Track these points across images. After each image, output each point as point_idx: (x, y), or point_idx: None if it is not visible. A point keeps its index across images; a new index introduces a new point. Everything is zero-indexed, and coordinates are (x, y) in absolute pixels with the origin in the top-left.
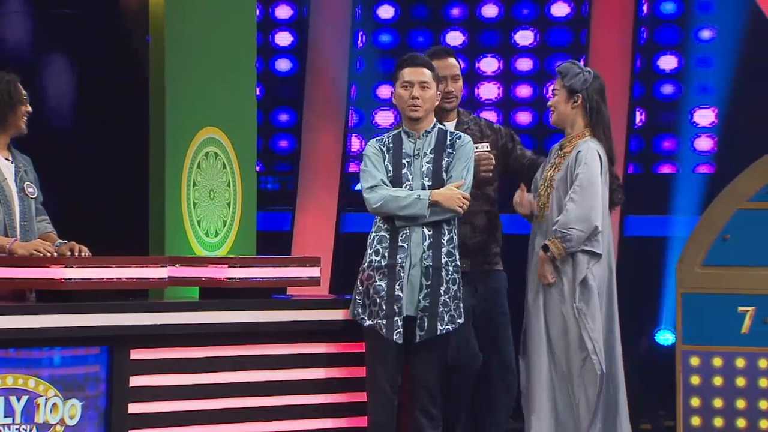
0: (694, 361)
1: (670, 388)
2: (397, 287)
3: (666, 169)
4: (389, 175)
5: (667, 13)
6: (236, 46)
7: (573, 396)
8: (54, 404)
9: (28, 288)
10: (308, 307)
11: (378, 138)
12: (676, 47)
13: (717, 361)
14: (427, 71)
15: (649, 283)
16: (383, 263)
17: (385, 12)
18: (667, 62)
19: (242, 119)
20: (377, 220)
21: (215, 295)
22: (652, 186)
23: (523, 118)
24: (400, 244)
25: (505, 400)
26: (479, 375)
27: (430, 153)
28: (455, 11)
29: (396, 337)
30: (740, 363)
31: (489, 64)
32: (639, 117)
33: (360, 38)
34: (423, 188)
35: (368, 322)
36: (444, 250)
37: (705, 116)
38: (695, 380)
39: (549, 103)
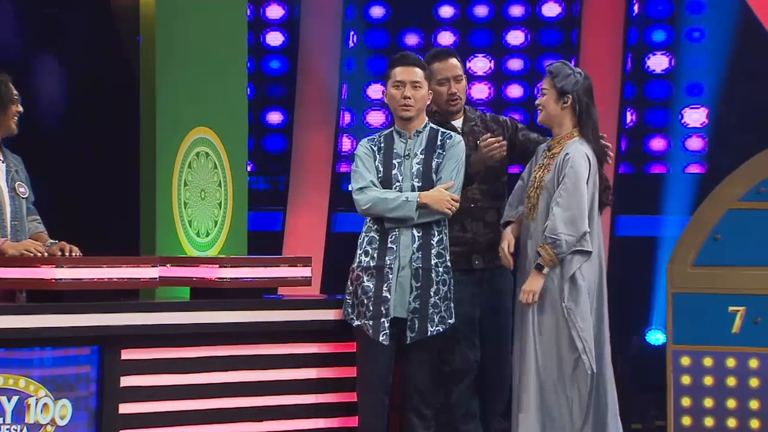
0: (685, 360)
1: (660, 388)
2: (384, 288)
3: (657, 169)
4: (380, 175)
5: (657, 14)
6: (227, 46)
7: (566, 396)
8: (45, 404)
9: (19, 288)
10: (299, 307)
11: (369, 138)
12: (667, 47)
13: (708, 361)
14: (418, 71)
15: (640, 283)
16: (372, 264)
17: (376, 12)
18: (658, 62)
19: (233, 119)
20: (368, 220)
21: (206, 295)
22: (643, 186)
23: (514, 118)
24: (389, 245)
25: (499, 385)
26: (478, 375)
27: (421, 153)
28: (446, 11)
29: (383, 338)
30: (731, 363)
31: (480, 64)
32: (630, 117)
33: (351, 38)
34: (413, 189)
35: (356, 323)
36: (434, 251)
37: (696, 116)
38: (686, 380)
39: (537, 101)
